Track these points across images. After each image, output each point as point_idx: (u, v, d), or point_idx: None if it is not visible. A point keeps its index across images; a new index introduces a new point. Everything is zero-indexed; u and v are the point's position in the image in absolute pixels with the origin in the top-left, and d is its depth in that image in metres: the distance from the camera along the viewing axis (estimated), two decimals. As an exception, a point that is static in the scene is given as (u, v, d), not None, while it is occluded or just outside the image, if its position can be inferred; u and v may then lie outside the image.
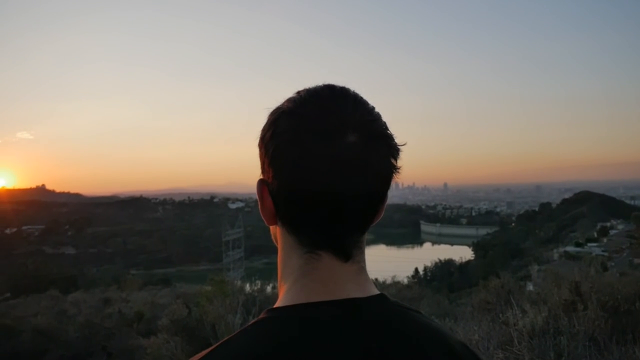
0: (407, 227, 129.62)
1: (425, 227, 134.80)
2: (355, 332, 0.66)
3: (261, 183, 0.73)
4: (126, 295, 16.91)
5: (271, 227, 0.78)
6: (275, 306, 0.71)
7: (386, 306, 0.72)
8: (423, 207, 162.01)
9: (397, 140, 0.73)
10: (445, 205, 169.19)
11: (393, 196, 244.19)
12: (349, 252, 0.71)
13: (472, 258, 65.83)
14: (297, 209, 0.69)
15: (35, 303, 17.52)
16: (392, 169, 0.72)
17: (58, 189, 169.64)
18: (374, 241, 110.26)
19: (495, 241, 77.68)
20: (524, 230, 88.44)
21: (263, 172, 0.73)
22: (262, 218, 0.75)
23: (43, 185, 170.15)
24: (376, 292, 0.73)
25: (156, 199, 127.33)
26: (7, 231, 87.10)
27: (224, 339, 0.67)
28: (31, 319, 13.18)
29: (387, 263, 47.77)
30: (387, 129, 0.72)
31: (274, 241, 0.79)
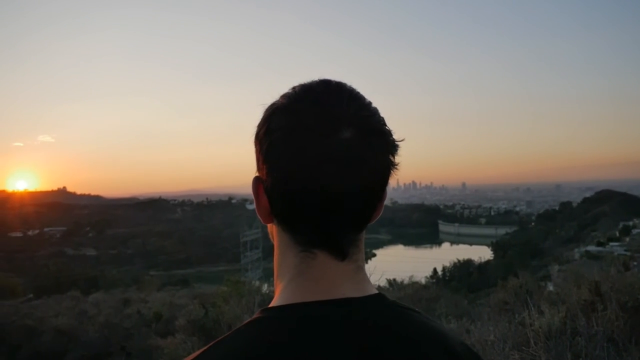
0: (425, 227, 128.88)
1: (444, 227, 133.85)
2: (350, 332, 0.65)
3: (256, 180, 0.72)
4: (145, 295, 17.08)
5: (268, 226, 0.77)
6: (270, 305, 0.70)
7: (383, 306, 0.70)
8: (441, 207, 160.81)
9: (396, 136, 0.71)
10: (463, 204, 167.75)
11: (411, 196, 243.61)
12: (345, 251, 0.70)
13: (492, 258, 65.18)
14: (292, 206, 0.68)
15: (57, 304, 17.79)
16: (390, 166, 0.70)
17: (79, 191, 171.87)
18: (392, 241, 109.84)
19: (514, 241, 76.88)
20: (544, 230, 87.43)
21: (258, 169, 0.71)
22: (258, 216, 0.74)
23: (64, 187, 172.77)
24: (374, 291, 0.72)
25: (175, 200, 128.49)
26: (30, 233, 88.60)
27: (218, 339, 0.66)
28: (52, 319, 13.39)
29: (404, 263, 47.52)
30: (384, 124, 0.71)
31: (271, 239, 0.77)
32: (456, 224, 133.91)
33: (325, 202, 0.65)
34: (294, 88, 0.71)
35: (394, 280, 16.60)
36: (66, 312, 14.75)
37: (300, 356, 0.62)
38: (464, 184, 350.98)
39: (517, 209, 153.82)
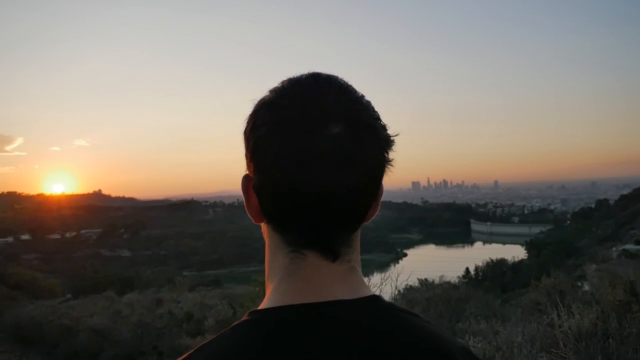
0: (457, 227, 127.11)
1: (476, 226, 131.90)
2: (339, 335, 0.62)
3: (245, 179, 0.70)
4: (177, 296, 17.33)
5: (262, 225, 0.73)
6: (259, 307, 0.68)
7: (376, 308, 0.67)
8: (473, 205, 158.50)
9: (390, 131, 0.68)
10: (496, 203, 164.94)
11: (442, 195, 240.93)
12: (336, 251, 0.67)
13: (525, 257, 63.93)
14: (279, 205, 0.65)
15: (93, 304, 18.23)
16: (382, 162, 0.67)
17: (114, 194, 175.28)
18: (423, 241, 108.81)
19: (549, 240, 75.22)
20: (580, 228, 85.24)
21: (247, 166, 0.69)
22: (249, 216, 0.72)
23: (100, 190, 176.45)
24: (368, 293, 0.69)
25: (206, 201, 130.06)
26: (67, 235, 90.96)
27: (203, 342, 0.65)
28: (88, 319, 13.73)
29: (436, 263, 47.05)
30: (377, 118, 0.67)
31: (264, 239, 0.75)
32: (488, 223, 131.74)
33: (313, 201, 0.62)
34: (282, 82, 0.68)
35: (425, 280, 16.44)
36: (101, 312, 15.11)
37: None
38: (496, 182, 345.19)
39: (552, 207, 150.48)
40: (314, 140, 0.62)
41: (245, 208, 0.72)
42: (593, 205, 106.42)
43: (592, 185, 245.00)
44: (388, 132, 0.68)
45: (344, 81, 0.69)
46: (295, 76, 0.69)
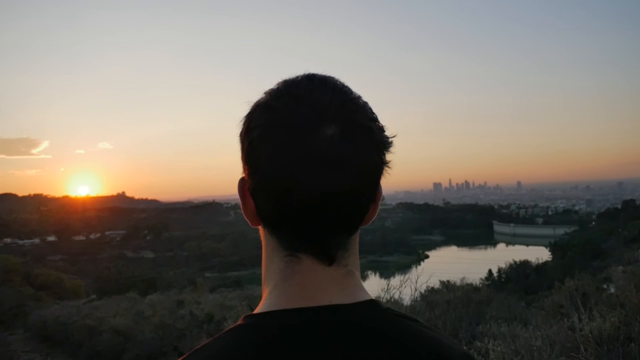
0: (479, 228, 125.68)
1: (499, 227, 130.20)
2: (333, 340, 0.61)
3: (242, 182, 0.69)
4: (198, 297, 17.46)
5: (259, 228, 0.73)
6: (254, 312, 0.67)
7: (373, 313, 0.66)
8: (495, 206, 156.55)
9: (388, 132, 0.67)
10: (519, 204, 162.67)
11: (464, 196, 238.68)
12: (332, 255, 0.66)
13: (550, 259, 62.94)
14: (274, 209, 0.64)
15: (116, 304, 18.49)
16: (378, 163, 0.66)
17: (137, 196, 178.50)
18: (445, 242, 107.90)
19: (574, 241, 73.79)
20: (606, 230, 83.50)
21: (243, 169, 0.68)
22: (245, 219, 0.71)
23: (123, 192, 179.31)
24: (366, 297, 0.68)
25: (228, 203, 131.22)
26: (92, 236, 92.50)
27: (197, 347, 0.65)
28: (111, 319, 13.92)
29: (458, 264, 46.61)
30: (373, 120, 0.66)
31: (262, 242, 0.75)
32: (512, 224, 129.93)
33: (308, 204, 0.62)
34: (277, 84, 0.68)
35: (447, 282, 16.29)
36: (124, 312, 15.31)
37: None
38: (519, 183, 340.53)
39: (576, 207, 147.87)
40: (307, 142, 0.61)
41: (242, 211, 0.71)
42: (619, 206, 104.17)
43: (618, 185, 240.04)
44: (385, 133, 0.67)
45: (339, 82, 0.67)
46: (290, 77, 0.68)
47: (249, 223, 0.72)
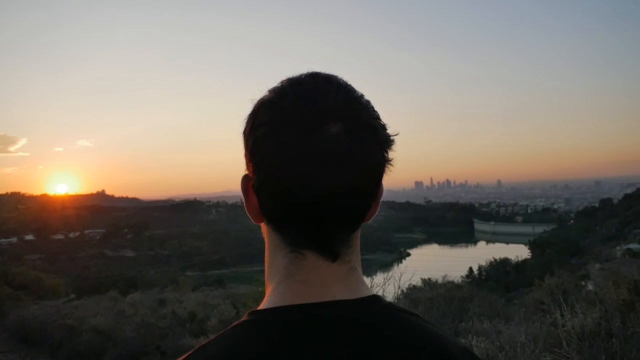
0: (460, 226, 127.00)
1: (479, 225, 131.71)
2: (338, 335, 0.62)
3: (245, 179, 0.70)
4: (180, 296, 17.35)
5: (261, 225, 0.73)
6: (259, 308, 0.67)
7: (376, 308, 0.67)
8: (476, 205, 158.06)
9: (390, 130, 0.68)
10: (499, 202, 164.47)
11: (445, 195, 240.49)
12: (336, 252, 0.67)
13: (529, 257, 63.77)
14: (279, 206, 0.65)
15: (96, 304, 18.28)
16: (382, 162, 0.67)
17: (117, 194, 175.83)
18: (426, 240, 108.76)
19: (553, 239, 74.97)
20: (584, 228, 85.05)
21: (246, 166, 0.69)
22: (248, 216, 0.72)
23: (103, 190, 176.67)
24: (368, 293, 0.69)
25: (209, 202, 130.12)
26: (71, 235, 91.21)
27: (203, 343, 0.65)
28: (91, 319, 13.75)
29: (439, 262, 47.01)
30: (376, 118, 0.67)
31: (264, 239, 0.74)
32: (492, 223, 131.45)
33: (312, 201, 0.62)
34: (281, 82, 0.68)
35: (429, 279, 16.41)
36: (105, 312, 15.13)
37: None
38: (499, 182, 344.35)
39: (555, 206, 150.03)
40: (312, 139, 0.61)
41: (245, 208, 0.72)
42: (597, 205, 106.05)
43: (596, 184, 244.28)
44: (387, 131, 0.68)
45: (343, 80, 0.68)
46: (294, 76, 0.68)
47: (252, 220, 0.72)
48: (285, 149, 0.62)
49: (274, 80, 0.67)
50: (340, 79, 0.68)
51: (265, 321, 0.64)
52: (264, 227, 0.73)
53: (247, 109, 0.69)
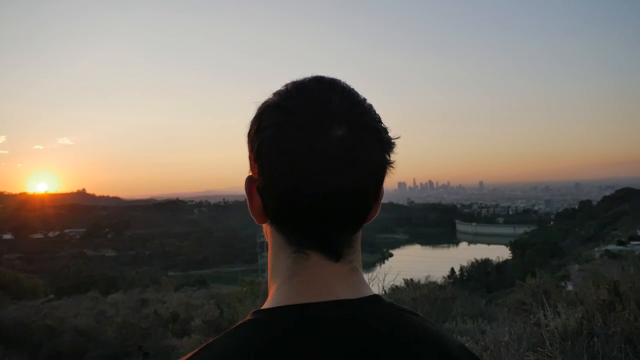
0: (443, 227, 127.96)
1: (461, 226, 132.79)
2: (342, 334, 0.63)
3: (249, 180, 0.71)
4: (162, 296, 17.22)
5: (263, 226, 0.75)
6: (263, 307, 0.68)
7: (378, 308, 0.68)
8: (458, 206, 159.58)
9: (392, 134, 0.69)
10: (481, 204, 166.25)
11: (428, 196, 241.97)
12: (339, 252, 0.68)
13: (510, 257, 64.49)
14: (284, 206, 0.66)
15: (77, 304, 18.08)
16: (384, 164, 0.68)
17: (98, 193, 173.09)
18: (409, 241, 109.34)
19: (533, 240, 76.00)
20: (564, 229, 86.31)
21: (250, 168, 0.70)
22: (252, 216, 0.73)
23: (84, 189, 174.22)
24: (370, 293, 0.70)
25: (192, 201, 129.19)
26: (51, 234, 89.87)
27: (208, 342, 0.65)
28: (72, 319, 13.59)
29: (421, 263, 47.26)
30: (378, 121, 0.69)
31: (266, 239, 0.75)
32: (474, 224, 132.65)
33: (318, 202, 0.64)
34: (286, 85, 0.70)
35: (411, 280, 16.49)
36: (85, 312, 14.97)
37: (290, 359, 0.61)
38: (481, 183, 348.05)
39: (536, 207, 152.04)
40: (318, 142, 0.63)
41: (249, 209, 0.73)
42: (576, 206, 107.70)
43: (575, 186, 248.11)
44: (389, 134, 0.69)
45: (346, 85, 0.70)
46: (298, 79, 0.70)
47: (255, 220, 0.73)
48: (291, 151, 0.63)
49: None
50: (343, 83, 0.70)
51: (270, 320, 0.65)
52: (266, 228, 0.74)
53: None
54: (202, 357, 0.63)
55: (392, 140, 0.69)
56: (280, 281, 0.69)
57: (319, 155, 0.63)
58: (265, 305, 0.68)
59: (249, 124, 0.70)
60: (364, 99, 0.69)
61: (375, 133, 0.67)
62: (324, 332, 0.63)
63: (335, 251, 0.68)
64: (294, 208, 0.65)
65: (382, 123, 0.69)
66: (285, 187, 0.64)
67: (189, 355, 0.64)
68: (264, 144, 0.66)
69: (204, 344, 0.66)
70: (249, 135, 0.69)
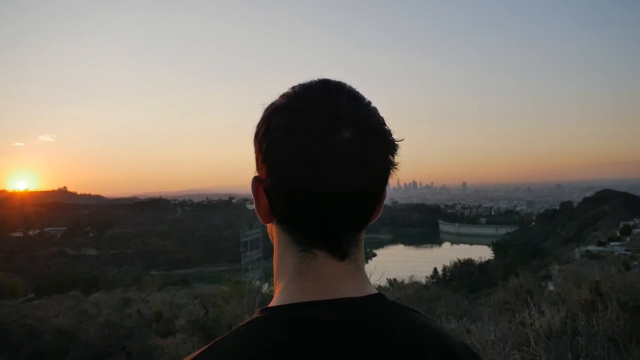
0: (426, 227, 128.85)
1: (444, 227, 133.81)
2: (348, 332, 0.65)
3: (256, 181, 0.72)
4: (146, 295, 17.08)
5: (268, 226, 0.77)
6: (270, 306, 0.70)
7: (382, 306, 0.70)
8: (442, 206, 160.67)
9: (395, 136, 0.71)
10: (464, 204, 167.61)
11: (412, 196, 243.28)
12: (345, 251, 0.70)
13: (492, 258, 65.13)
14: (291, 207, 0.68)
15: (58, 304, 17.79)
16: (389, 166, 0.70)
17: (80, 191, 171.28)
18: (393, 241, 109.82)
19: (515, 241, 76.93)
20: (545, 230, 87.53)
21: (258, 169, 0.72)
22: (258, 216, 0.74)
23: (65, 187, 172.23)
24: (374, 291, 0.72)
25: (175, 200, 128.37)
26: (31, 233, 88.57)
27: (216, 340, 0.67)
28: (53, 319, 13.39)
29: (405, 263, 47.51)
30: (383, 124, 0.71)
31: (271, 239, 0.78)
32: (457, 224, 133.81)
33: (325, 203, 0.65)
34: (293, 88, 0.71)
35: (395, 280, 16.58)
36: (67, 312, 14.76)
37: (298, 357, 0.62)
38: (464, 184, 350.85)
39: (518, 209, 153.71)
40: (325, 144, 0.65)
41: (255, 209, 0.74)
42: (558, 208, 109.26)
43: (557, 188, 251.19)
44: (394, 137, 0.71)
45: (352, 88, 0.72)
46: (305, 82, 0.72)
47: (261, 220, 0.74)
48: (299, 152, 0.65)
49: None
50: (349, 86, 0.72)
51: (278, 318, 0.67)
52: (271, 228, 0.76)
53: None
54: (211, 354, 0.64)
55: (397, 143, 0.71)
56: (287, 280, 0.71)
57: (328, 157, 0.64)
58: (273, 303, 0.70)
59: (257, 125, 0.71)
60: (370, 102, 0.71)
61: (381, 135, 0.69)
62: (331, 329, 0.64)
63: (341, 250, 0.69)
64: (302, 208, 0.67)
65: (386, 126, 0.71)
66: (294, 187, 0.66)
67: (197, 352, 0.65)
68: (272, 145, 0.67)
69: (213, 342, 0.67)
70: (257, 136, 0.71)
